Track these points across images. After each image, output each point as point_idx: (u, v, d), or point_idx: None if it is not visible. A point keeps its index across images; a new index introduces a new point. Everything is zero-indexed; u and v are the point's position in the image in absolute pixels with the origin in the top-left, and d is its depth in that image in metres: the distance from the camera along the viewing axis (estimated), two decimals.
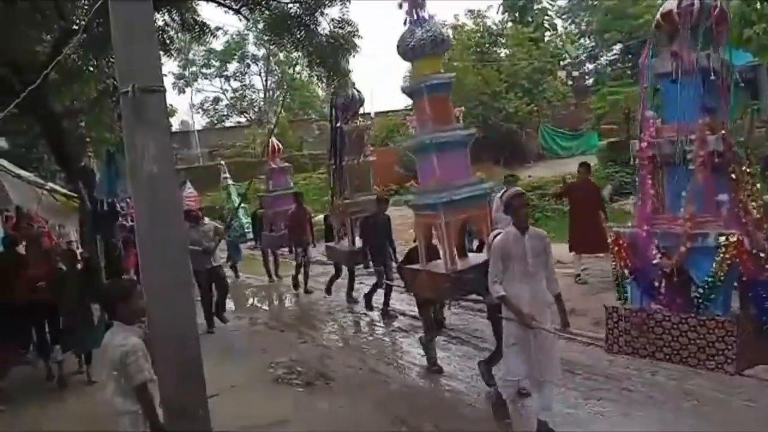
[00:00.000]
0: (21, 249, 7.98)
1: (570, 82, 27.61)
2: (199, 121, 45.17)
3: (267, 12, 9.38)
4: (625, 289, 4.42)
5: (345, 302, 10.80)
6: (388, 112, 34.43)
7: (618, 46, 27.80)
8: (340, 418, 5.91)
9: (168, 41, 9.50)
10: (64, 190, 9.99)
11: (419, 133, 6.47)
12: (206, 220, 10.45)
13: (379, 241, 9.51)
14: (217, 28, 10.52)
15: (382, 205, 9.66)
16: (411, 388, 6.59)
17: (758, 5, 5.69)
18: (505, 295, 4.84)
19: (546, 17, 30.25)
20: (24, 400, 7.06)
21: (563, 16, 32.20)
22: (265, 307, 12.08)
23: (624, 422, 5.18)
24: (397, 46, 6.41)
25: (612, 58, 30.00)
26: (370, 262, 9.85)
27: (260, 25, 10.03)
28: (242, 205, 14.95)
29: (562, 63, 28.55)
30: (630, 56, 29.83)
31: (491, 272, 4.93)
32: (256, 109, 45.24)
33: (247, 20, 10.25)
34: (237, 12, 9.41)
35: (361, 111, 11.17)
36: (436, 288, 6.30)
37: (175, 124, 38.18)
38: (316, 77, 10.06)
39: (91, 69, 9.48)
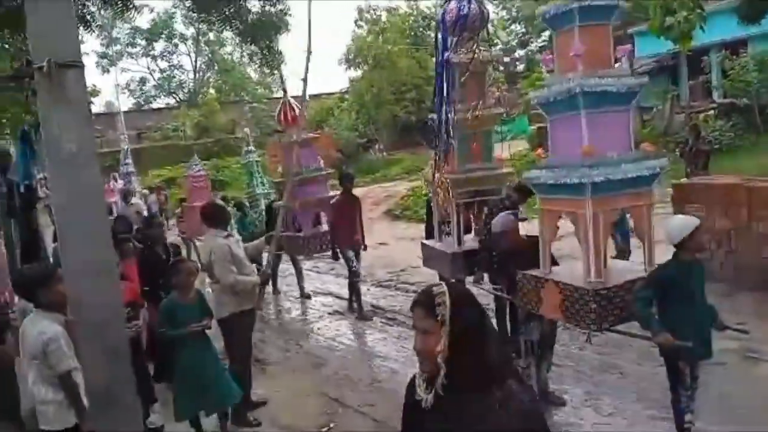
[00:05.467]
0: None
1: (501, 68, 28.15)
2: (125, 102, 43.58)
3: None
4: None
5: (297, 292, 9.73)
6: (321, 94, 34.16)
7: (547, 33, 28.44)
8: (276, 402, 5.86)
9: (89, 16, 9.04)
10: None
11: (560, 79, 4.44)
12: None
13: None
14: (143, 5, 10.09)
15: (523, 198, 6.22)
16: (347, 370, 6.60)
17: None
18: None
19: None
20: None
21: (495, 2, 32.76)
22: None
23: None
24: None
25: (542, 43, 30.82)
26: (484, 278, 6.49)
27: (187, 2, 9.64)
28: (265, 187, 11.31)
29: (494, 48, 29.04)
30: None
31: None
32: (185, 91, 43.96)
33: None
34: None
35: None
36: (569, 308, 4.42)
37: (99, 105, 36.70)
38: (247, 56, 9.61)
39: (6, 45, 8.96)
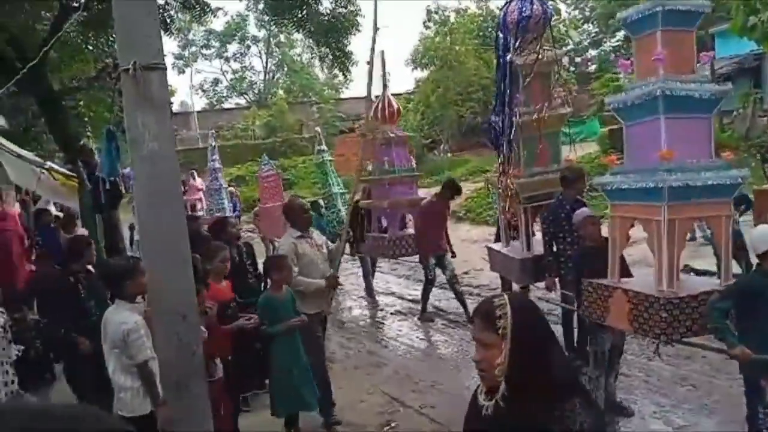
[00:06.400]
0: None
1: (572, 68, 27.47)
2: (199, 103, 45.10)
3: None
4: None
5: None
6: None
7: (621, 33, 27.63)
8: (338, 399, 5.93)
9: (168, 20, 9.44)
10: (63, 170, 9.96)
11: (639, 83, 4.31)
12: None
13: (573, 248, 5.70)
14: (218, 8, 10.44)
15: (574, 186, 5.91)
16: (408, 371, 6.62)
17: None
18: None
19: (550, 2, 30.06)
20: None
21: (567, 1, 32.01)
22: None
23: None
24: None
25: (615, 44, 29.94)
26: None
27: (260, 5, 9.93)
28: (340, 186, 11.07)
29: (565, 48, 28.39)
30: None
31: None
32: (255, 91, 45.10)
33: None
34: None
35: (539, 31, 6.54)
36: (638, 318, 4.22)
37: (174, 104, 38.10)
38: (318, 57, 9.75)
39: (91, 47, 9.45)
